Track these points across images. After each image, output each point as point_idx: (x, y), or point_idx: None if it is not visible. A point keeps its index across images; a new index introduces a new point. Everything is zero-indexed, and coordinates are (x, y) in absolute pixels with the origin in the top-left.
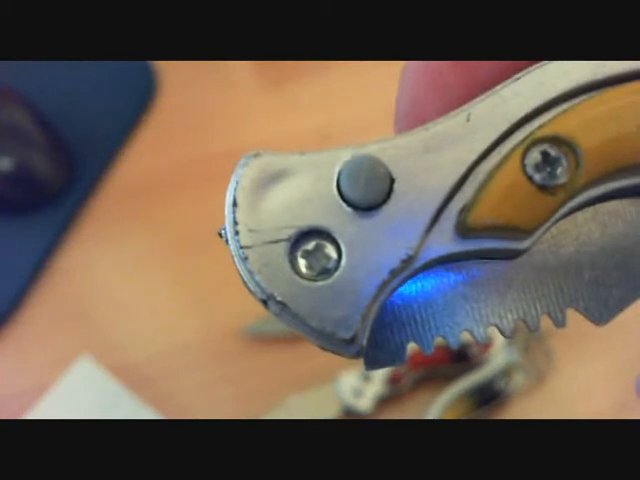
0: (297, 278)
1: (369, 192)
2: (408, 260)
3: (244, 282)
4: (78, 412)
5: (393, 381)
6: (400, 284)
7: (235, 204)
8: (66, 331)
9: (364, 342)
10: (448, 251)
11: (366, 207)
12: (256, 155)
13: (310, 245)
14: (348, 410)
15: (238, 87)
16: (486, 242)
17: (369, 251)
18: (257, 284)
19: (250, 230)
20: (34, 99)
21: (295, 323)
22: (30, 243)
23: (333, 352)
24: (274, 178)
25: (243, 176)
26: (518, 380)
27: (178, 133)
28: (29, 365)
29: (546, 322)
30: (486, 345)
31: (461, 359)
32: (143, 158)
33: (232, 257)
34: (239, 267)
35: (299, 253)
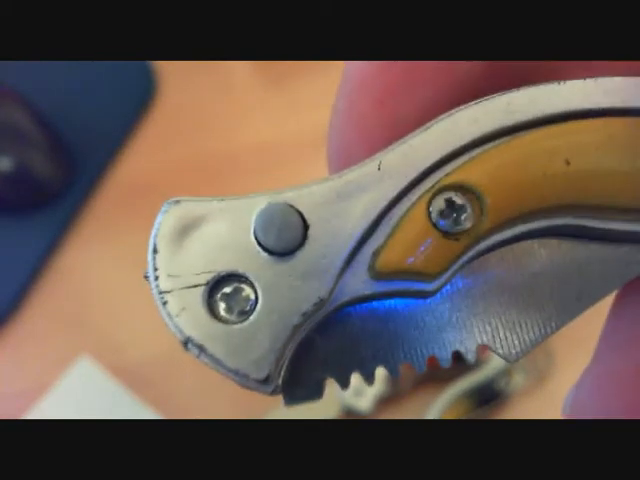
0: (214, 322)
1: (283, 239)
2: (320, 303)
3: (165, 324)
4: (78, 412)
5: (393, 381)
6: (316, 324)
7: (155, 250)
8: (66, 331)
9: (279, 381)
10: (361, 293)
11: (281, 253)
12: (176, 202)
13: (229, 288)
14: (348, 410)
15: (238, 87)
16: (396, 284)
17: (283, 295)
18: (176, 327)
19: (169, 275)
20: (34, 99)
21: (213, 364)
22: (30, 243)
23: (251, 390)
24: (193, 225)
25: (163, 223)
26: (518, 380)
27: (178, 133)
28: (29, 365)
29: None
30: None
31: (461, 360)
32: (143, 158)
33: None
34: (160, 310)
35: (218, 296)
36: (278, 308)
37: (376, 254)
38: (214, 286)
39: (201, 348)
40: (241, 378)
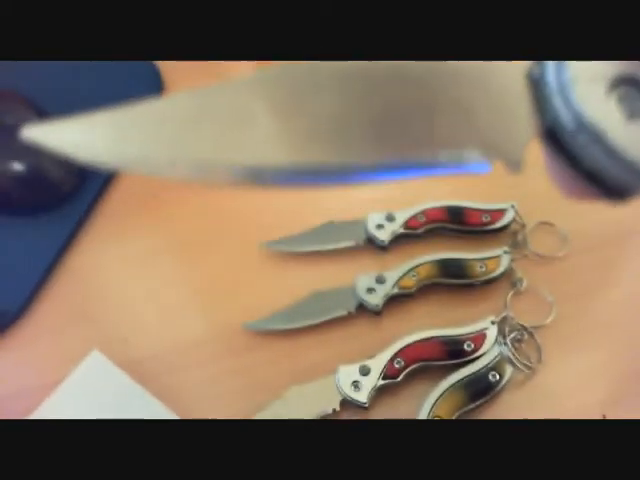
0: (614, 112)
1: None
2: None
3: (548, 116)
4: (90, 405)
5: (390, 375)
6: None
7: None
8: (77, 327)
9: None
10: None
11: None
12: None
13: (625, 90)
14: (347, 402)
15: None
16: None
17: None
18: (576, 111)
19: (579, 67)
20: (43, 104)
21: (604, 154)
22: (42, 243)
23: (619, 190)
24: None
25: None
26: (509, 373)
27: None
28: (41, 360)
29: (537, 319)
30: (479, 340)
31: (455, 354)
32: None
33: (542, 92)
34: (558, 97)
35: (618, 93)
36: None
37: None
38: (614, 84)
39: (597, 135)
40: (629, 171)
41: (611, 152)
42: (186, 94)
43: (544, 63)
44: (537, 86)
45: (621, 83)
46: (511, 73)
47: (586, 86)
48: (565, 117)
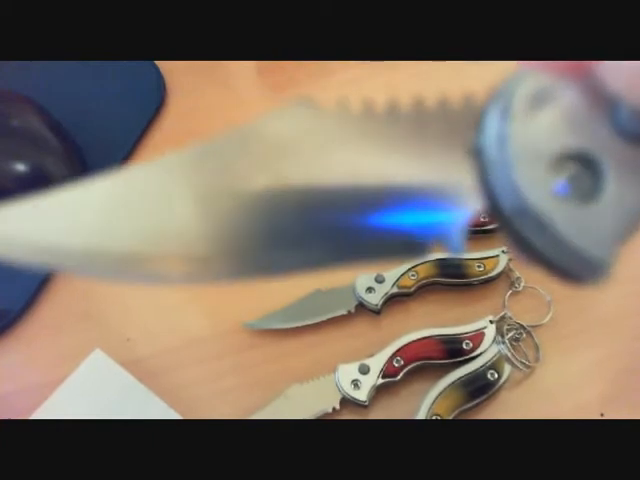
0: (557, 198)
1: None
2: None
3: (489, 194)
4: (91, 403)
5: (389, 373)
6: None
7: (508, 116)
8: (78, 327)
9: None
10: None
11: None
12: (528, 73)
13: (574, 167)
14: (347, 400)
15: (247, 94)
16: None
17: (636, 183)
18: (517, 193)
19: (520, 143)
20: (48, 105)
21: (550, 240)
22: None
23: (573, 278)
24: (544, 97)
25: (518, 91)
26: (508, 372)
27: (188, 137)
28: (43, 360)
29: (534, 318)
30: (478, 339)
31: (454, 352)
32: None
33: (482, 168)
34: (498, 175)
35: (563, 173)
36: (629, 195)
37: None
38: (560, 162)
39: (540, 222)
40: (577, 259)
41: (558, 241)
42: (104, 179)
43: (484, 134)
44: (478, 160)
45: (568, 160)
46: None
47: (528, 168)
48: (505, 201)
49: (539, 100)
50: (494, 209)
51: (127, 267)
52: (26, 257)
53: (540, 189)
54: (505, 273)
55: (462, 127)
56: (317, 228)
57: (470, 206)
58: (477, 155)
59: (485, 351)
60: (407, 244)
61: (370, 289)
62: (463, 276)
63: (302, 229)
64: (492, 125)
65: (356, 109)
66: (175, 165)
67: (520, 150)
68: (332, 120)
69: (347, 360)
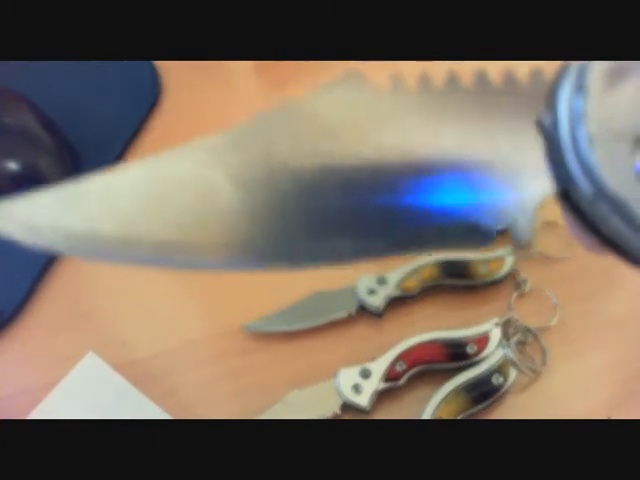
0: (637, 180)
1: None
2: None
3: (561, 176)
4: (85, 407)
5: (391, 378)
6: None
7: (584, 91)
8: (72, 329)
9: None
10: None
11: None
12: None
13: None
14: (347, 405)
15: (243, 90)
16: None
17: None
18: (594, 176)
19: (600, 122)
20: (41, 102)
21: (623, 223)
22: None
23: None
24: (623, 72)
25: (597, 62)
26: (513, 376)
27: (183, 134)
28: (37, 362)
29: (541, 321)
30: (482, 342)
31: (458, 356)
32: None
33: (554, 147)
34: (573, 156)
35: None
36: None
37: None
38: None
39: (618, 204)
40: None
41: (634, 224)
42: (138, 165)
43: (556, 112)
44: (548, 139)
45: None
46: None
47: (606, 147)
48: (582, 183)
49: (616, 75)
50: (566, 191)
51: (165, 254)
52: (55, 244)
53: (620, 171)
54: (511, 274)
55: (529, 103)
56: (369, 212)
57: (538, 188)
58: (547, 133)
59: (490, 355)
60: (470, 229)
61: (372, 291)
62: (468, 278)
63: (352, 213)
64: (565, 102)
65: (411, 84)
66: (212, 149)
67: (598, 129)
68: (385, 96)
69: (348, 364)
